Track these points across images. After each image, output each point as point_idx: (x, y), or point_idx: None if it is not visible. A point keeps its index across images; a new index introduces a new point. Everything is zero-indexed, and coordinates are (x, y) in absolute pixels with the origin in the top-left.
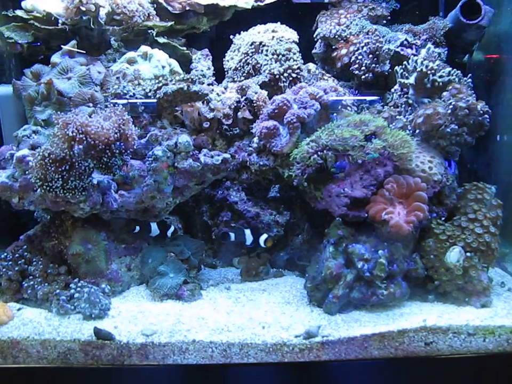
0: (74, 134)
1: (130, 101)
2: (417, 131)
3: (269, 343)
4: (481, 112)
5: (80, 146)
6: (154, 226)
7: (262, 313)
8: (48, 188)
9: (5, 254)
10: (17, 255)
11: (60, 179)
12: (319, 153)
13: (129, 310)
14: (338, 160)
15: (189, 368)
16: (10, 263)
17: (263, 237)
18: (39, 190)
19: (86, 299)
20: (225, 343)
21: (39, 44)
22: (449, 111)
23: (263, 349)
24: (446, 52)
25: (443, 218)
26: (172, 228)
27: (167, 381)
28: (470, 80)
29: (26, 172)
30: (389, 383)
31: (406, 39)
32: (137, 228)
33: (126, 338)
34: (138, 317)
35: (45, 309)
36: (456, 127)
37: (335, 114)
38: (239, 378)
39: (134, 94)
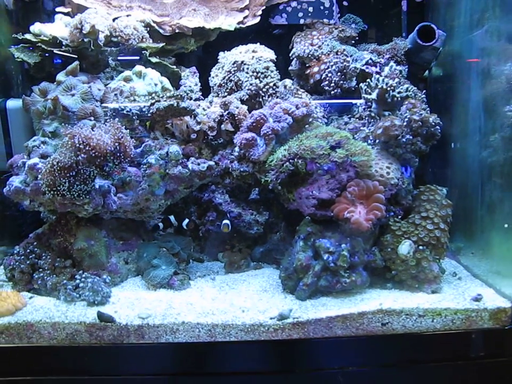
0: (79, 145)
1: (121, 105)
2: (377, 141)
3: (247, 324)
4: (433, 123)
5: (84, 156)
6: (172, 219)
7: (242, 299)
8: (57, 192)
9: (17, 249)
10: (28, 250)
11: (67, 184)
12: (290, 161)
13: (127, 297)
14: (308, 166)
15: (179, 346)
16: (22, 257)
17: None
18: (48, 193)
19: (89, 288)
20: (210, 324)
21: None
22: (404, 123)
23: (243, 329)
24: (406, 69)
25: (400, 217)
26: (186, 220)
27: (160, 357)
28: (424, 96)
29: (38, 178)
30: (350, 358)
31: (371, 58)
32: (161, 224)
33: (125, 321)
34: (135, 303)
35: (53, 297)
36: (411, 137)
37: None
38: (222, 354)
39: (130, 109)
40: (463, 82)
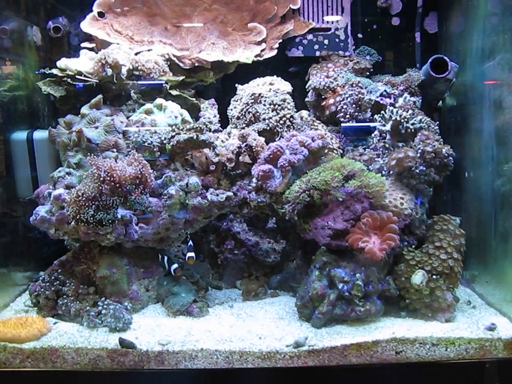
0: (104, 176)
1: (142, 128)
2: (391, 172)
3: (264, 351)
4: (446, 155)
5: (108, 187)
6: (165, 260)
7: (259, 326)
8: (81, 221)
9: (43, 276)
10: (52, 277)
11: (91, 214)
12: (306, 192)
13: (148, 324)
14: (324, 198)
15: (198, 372)
16: (47, 284)
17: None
18: (73, 222)
19: (111, 315)
20: (228, 351)
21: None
22: (418, 155)
23: (259, 356)
24: (420, 100)
25: (413, 246)
26: (176, 265)
27: (179, 382)
28: (437, 127)
29: (63, 208)
30: None
31: (385, 90)
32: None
33: (145, 347)
34: (156, 330)
35: (77, 323)
36: (424, 168)
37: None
38: (239, 380)
39: (151, 141)
40: (476, 113)
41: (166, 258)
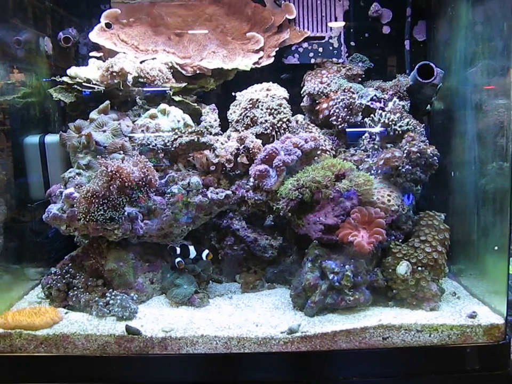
0: (112, 174)
1: (148, 135)
2: (379, 171)
3: (260, 337)
4: (431, 155)
5: (116, 185)
6: (192, 249)
7: (256, 315)
8: (90, 218)
9: (54, 270)
10: (64, 270)
11: (100, 211)
12: (299, 190)
13: (152, 313)
14: (315, 195)
15: (198, 357)
16: (58, 277)
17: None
18: (82, 219)
19: (119, 304)
20: (227, 337)
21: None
22: (404, 155)
23: (256, 342)
24: (408, 104)
25: (400, 240)
26: (206, 251)
27: (181, 366)
28: (423, 129)
29: (73, 206)
30: (353, 369)
31: (375, 95)
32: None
33: (150, 334)
34: (159, 318)
35: (86, 313)
36: (410, 167)
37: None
38: (237, 364)
39: (155, 144)
40: (460, 116)
41: (177, 250)
